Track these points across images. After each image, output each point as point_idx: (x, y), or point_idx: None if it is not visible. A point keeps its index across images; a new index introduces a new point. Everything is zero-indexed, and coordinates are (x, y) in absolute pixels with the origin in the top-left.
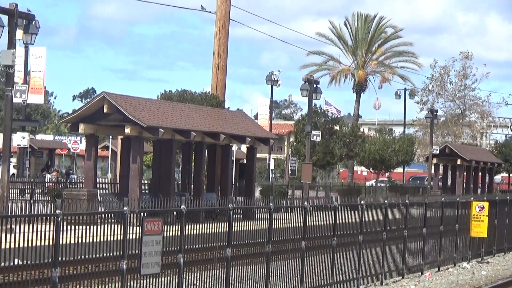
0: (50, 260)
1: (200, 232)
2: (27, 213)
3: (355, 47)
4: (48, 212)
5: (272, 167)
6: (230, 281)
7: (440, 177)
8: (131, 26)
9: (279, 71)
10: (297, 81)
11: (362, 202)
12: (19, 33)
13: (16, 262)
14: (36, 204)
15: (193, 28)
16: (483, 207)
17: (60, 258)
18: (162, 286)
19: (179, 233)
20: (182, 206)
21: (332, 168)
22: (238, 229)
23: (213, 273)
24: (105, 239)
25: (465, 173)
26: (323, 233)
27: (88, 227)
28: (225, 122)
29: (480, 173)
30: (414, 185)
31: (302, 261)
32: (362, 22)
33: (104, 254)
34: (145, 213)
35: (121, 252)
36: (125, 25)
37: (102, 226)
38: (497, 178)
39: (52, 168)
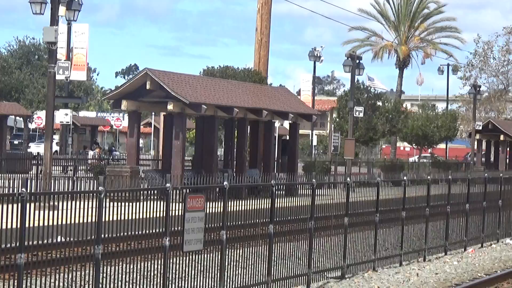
0: (93, 237)
1: (243, 209)
2: (70, 190)
3: (398, 23)
4: (91, 189)
5: (314, 143)
6: (273, 258)
7: (483, 152)
8: (174, 3)
9: (321, 47)
10: (340, 57)
11: (405, 178)
12: (62, 10)
13: (59, 239)
14: (79, 181)
15: (236, 4)
16: None
17: (102, 235)
18: (205, 263)
19: (221, 210)
20: (225, 183)
21: (375, 144)
22: (280, 206)
23: (255, 250)
24: (148, 216)
25: (508, 149)
26: (365, 209)
27: (130, 203)
28: (267, 98)
29: None
30: (458, 161)
31: (345, 237)
32: None
33: (147, 231)
34: (187, 190)
35: (163, 229)
36: (169, 1)
37: (145, 203)
38: None
39: (95, 144)
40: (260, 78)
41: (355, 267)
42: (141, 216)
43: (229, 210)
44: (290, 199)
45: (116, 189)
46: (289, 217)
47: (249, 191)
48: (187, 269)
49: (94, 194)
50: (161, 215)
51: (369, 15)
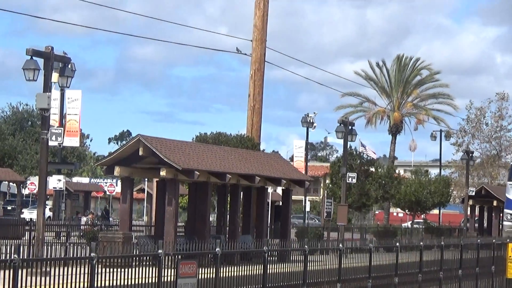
0: None
1: (235, 275)
2: (62, 256)
3: (391, 89)
4: (83, 255)
5: (308, 209)
6: None
7: (476, 218)
8: (169, 69)
9: (314, 113)
10: (333, 123)
11: (397, 244)
12: (55, 76)
13: None
14: (71, 247)
15: (230, 70)
16: None
17: None
18: None
19: (214, 276)
20: (217, 249)
21: (368, 210)
22: (273, 271)
23: None
24: (140, 282)
25: (501, 215)
26: (358, 275)
27: (123, 269)
28: (260, 164)
29: None
30: (451, 227)
31: None
32: (398, 65)
33: None
34: (180, 256)
35: None
36: (163, 68)
37: (137, 269)
38: None
39: (88, 210)
40: (253, 144)
41: None
42: (133, 282)
43: (222, 276)
44: (282, 265)
45: (109, 256)
46: (282, 283)
47: (241, 257)
48: None
49: (87, 260)
50: (154, 281)
51: (363, 79)
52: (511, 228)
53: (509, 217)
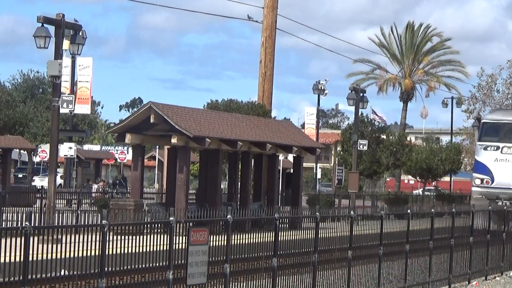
0: (97, 270)
1: (246, 242)
2: (73, 224)
3: (402, 56)
4: (95, 223)
5: (319, 176)
6: None
7: None
8: (180, 36)
9: (326, 80)
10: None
11: (409, 211)
12: (66, 44)
13: (63, 273)
14: (82, 214)
15: (241, 38)
16: None
17: (106, 269)
18: None
19: (225, 243)
20: (228, 216)
21: (379, 177)
22: (284, 239)
23: (259, 283)
24: (152, 249)
25: None
26: (369, 242)
27: (134, 237)
28: (271, 131)
29: None
30: (462, 194)
31: (349, 270)
32: (409, 32)
33: (151, 264)
34: (191, 223)
35: (167, 262)
36: (174, 35)
37: (149, 236)
38: None
39: (99, 178)
40: (264, 111)
41: None
42: (145, 250)
43: (233, 243)
44: (294, 232)
45: (120, 223)
46: (293, 250)
47: (252, 224)
48: None
49: (98, 227)
50: (165, 248)
51: (375, 45)
52: (480, 195)
53: (477, 182)
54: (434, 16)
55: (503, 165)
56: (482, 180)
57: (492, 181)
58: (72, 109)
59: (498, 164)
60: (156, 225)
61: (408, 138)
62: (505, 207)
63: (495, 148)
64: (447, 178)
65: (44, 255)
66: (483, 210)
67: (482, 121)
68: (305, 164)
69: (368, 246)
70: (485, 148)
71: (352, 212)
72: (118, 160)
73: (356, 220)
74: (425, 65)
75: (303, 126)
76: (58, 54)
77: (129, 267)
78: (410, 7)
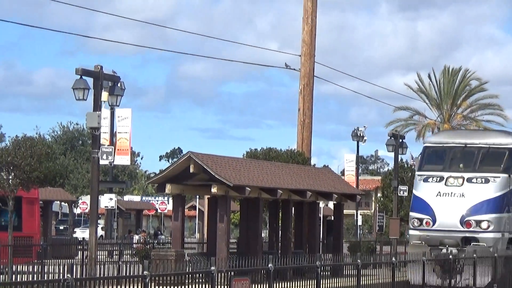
0: None
1: None
2: (115, 275)
3: (440, 101)
4: (136, 274)
5: (359, 223)
6: None
7: None
8: (219, 85)
9: (364, 126)
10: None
11: (450, 256)
12: (105, 95)
13: None
14: (124, 265)
15: (280, 85)
16: None
17: None
18: None
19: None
20: (270, 265)
21: None
22: (326, 286)
23: None
24: None
25: None
26: None
27: (176, 287)
28: (311, 179)
29: None
30: None
31: None
32: (447, 76)
33: None
34: (233, 272)
35: None
36: (214, 84)
37: (190, 286)
38: None
39: (140, 228)
40: (303, 159)
41: None
42: None
43: None
44: (336, 279)
45: (161, 273)
46: None
47: (294, 272)
48: None
49: (140, 278)
50: None
51: (413, 91)
52: (419, 240)
53: (415, 223)
54: (473, 60)
55: (448, 201)
56: (421, 220)
57: (434, 222)
58: (112, 161)
59: (442, 200)
60: (197, 275)
61: None
62: (450, 256)
63: (438, 179)
64: None
65: None
66: (415, 260)
67: (424, 145)
68: (345, 211)
69: None
70: (426, 180)
71: (394, 258)
72: (159, 211)
73: (398, 266)
74: (464, 109)
75: (343, 173)
76: (97, 106)
77: None
78: (449, 53)
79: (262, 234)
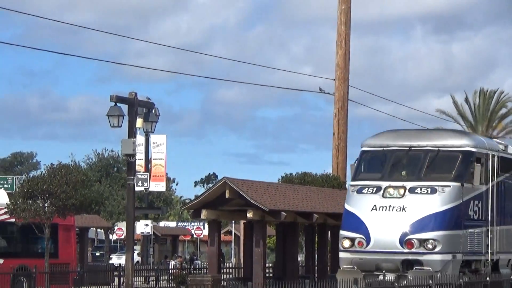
0: None
1: None
2: None
3: (476, 123)
4: None
5: None
6: None
7: None
8: (254, 110)
9: None
10: None
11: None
12: (139, 122)
13: None
14: None
15: (315, 110)
16: None
17: None
18: None
19: None
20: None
21: None
22: None
23: None
24: None
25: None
26: None
27: None
28: None
29: None
30: None
31: None
32: (482, 99)
33: None
34: None
35: None
36: (248, 109)
37: None
38: None
39: (176, 254)
40: (339, 183)
41: None
42: None
43: None
44: None
45: None
46: None
47: None
48: None
49: None
50: None
51: (447, 116)
52: (350, 265)
53: (346, 244)
54: (508, 82)
55: (386, 216)
56: (352, 240)
57: (368, 242)
58: (148, 187)
59: (378, 215)
60: None
61: None
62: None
63: (375, 189)
64: None
65: None
66: None
67: (361, 149)
68: None
69: None
70: (360, 191)
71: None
72: (195, 236)
73: None
74: (499, 131)
75: None
76: (132, 133)
77: None
78: (484, 74)
79: (298, 258)
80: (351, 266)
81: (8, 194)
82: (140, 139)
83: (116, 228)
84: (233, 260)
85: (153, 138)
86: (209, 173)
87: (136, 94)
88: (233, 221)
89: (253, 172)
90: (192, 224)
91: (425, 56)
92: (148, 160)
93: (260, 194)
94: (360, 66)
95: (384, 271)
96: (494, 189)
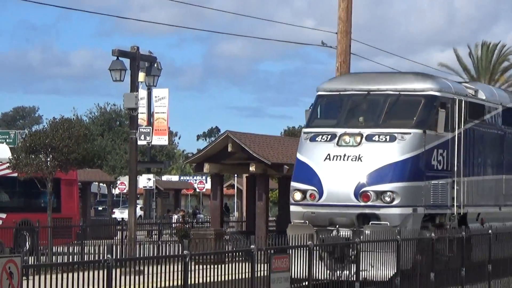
0: None
1: None
2: (155, 255)
3: (478, 76)
4: (176, 253)
5: None
6: None
7: None
8: (256, 64)
9: None
10: None
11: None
12: (141, 76)
13: None
14: (163, 245)
15: (317, 63)
16: None
17: None
18: None
19: (307, 269)
20: (309, 242)
21: None
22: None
23: None
24: (234, 278)
25: None
26: None
27: (216, 266)
28: None
29: None
30: None
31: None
32: (485, 52)
33: None
34: (272, 250)
35: None
36: (250, 63)
37: (230, 265)
38: None
39: (178, 208)
40: None
41: None
42: (226, 278)
43: (315, 269)
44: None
45: (201, 253)
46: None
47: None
48: None
49: (179, 258)
50: (247, 276)
51: (448, 69)
52: (302, 219)
53: (297, 197)
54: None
55: (340, 166)
56: (304, 193)
57: (321, 195)
58: (150, 141)
59: (332, 165)
60: (237, 253)
61: None
62: (345, 239)
63: (329, 137)
64: None
65: (127, 287)
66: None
67: (316, 93)
68: None
69: None
70: (313, 139)
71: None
72: (197, 190)
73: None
74: (501, 84)
75: None
76: (134, 87)
77: None
78: (487, 27)
79: None
80: (303, 221)
81: (10, 148)
82: (142, 93)
83: (118, 182)
84: (236, 214)
85: (155, 92)
86: (212, 127)
87: (138, 48)
88: (236, 175)
89: (255, 126)
90: (195, 178)
91: (427, 9)
92: (150, 114)
93: (262, 148)
94: (362, 20)
95: (338, 226)
96: (462, 137)
